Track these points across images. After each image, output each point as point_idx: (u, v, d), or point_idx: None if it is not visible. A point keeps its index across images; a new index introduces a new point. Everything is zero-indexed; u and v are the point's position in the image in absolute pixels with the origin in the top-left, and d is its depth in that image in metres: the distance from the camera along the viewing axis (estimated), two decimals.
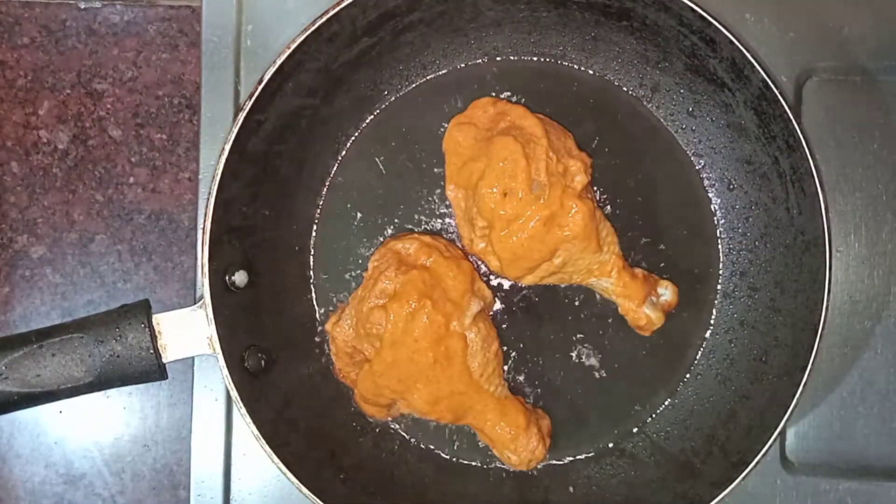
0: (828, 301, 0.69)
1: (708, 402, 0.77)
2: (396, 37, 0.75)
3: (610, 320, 0.78)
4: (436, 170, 0.78)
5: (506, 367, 0.78)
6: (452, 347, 0.72)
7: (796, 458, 0.79)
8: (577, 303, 0.78)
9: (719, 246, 0.78)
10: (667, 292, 0.77)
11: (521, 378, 0.78)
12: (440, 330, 0.72)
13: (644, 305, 0.75)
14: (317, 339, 0.78)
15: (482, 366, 0.73)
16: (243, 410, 0.68)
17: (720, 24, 0.69)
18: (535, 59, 0.79)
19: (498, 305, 0.78)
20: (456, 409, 0.74)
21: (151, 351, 0.67)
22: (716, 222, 0.78)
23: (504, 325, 0.78)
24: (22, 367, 0.65)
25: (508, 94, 0.78)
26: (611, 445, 0.78)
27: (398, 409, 0.76)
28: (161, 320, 0.68)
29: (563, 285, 0.78)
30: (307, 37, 0.69)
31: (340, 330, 0.75)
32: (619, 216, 0.78)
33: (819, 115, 0.78)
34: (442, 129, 0.78)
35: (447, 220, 0.78)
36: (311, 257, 0.79)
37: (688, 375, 0.78)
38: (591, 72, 0.79)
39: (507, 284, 0.78)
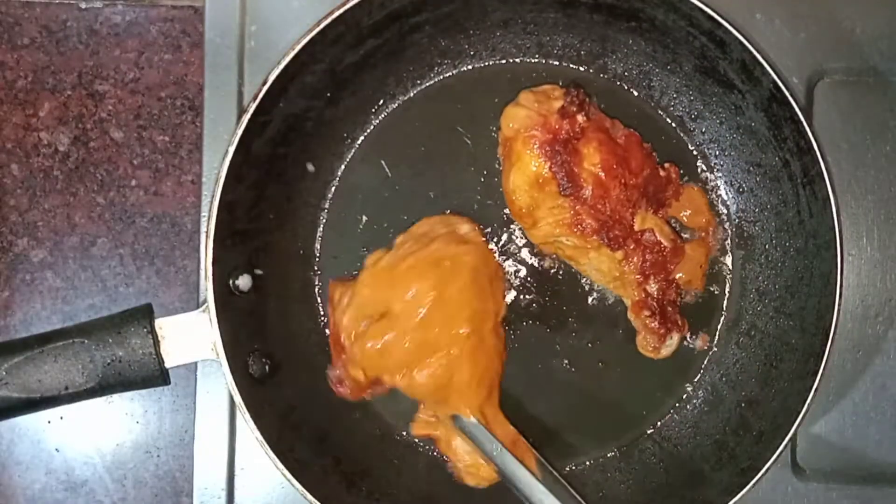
0: (839, 305, 0.68)
1: (717, 408, 0.76)
2: (402, 38, 0.74)
3: (617, 328, 0.77)
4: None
5: (514, 372, 0.76)
6: (487, 331, 0.72)
7: (807, 465, 0.78)
8: (583, 309, 0.77)
9: (729, 250, 0.78)
10: (673, 342, 0.75)
11: (529, 384, 0.77)
12: (480, 311, 0.72)
13: (650, 349, 0.75)
14: (322, 343, 0.77)
15: (488, 370, 0.72)
16: (247, 416, 0.68)
17: (730, 24, 0.68)
18: (542, 60, 0.78)
19: (506, 312, 0.77)
20: (448, 395, 0.72)
21: (154, 356, 0.66)
22: (726, 226, 0.78)
23: (512, 332, 0.77)
24: (23, 372, 0.65)
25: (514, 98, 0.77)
26: (619, 451, 0.78)
27: (382, 387, 0.73)
28: (163, 325, 0.67)
29: (571, 292, 0.77)
30: (312, 38, 0.68)
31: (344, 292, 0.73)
32: None
33: (831, 116, 0.78)
34: (448, 132, 0.77)
35: None
36: (316, 261, 0.78)
37: (696, 380, 0.78)
38: (599, 73, 0.78)
39: (515, 292, 0.78)
